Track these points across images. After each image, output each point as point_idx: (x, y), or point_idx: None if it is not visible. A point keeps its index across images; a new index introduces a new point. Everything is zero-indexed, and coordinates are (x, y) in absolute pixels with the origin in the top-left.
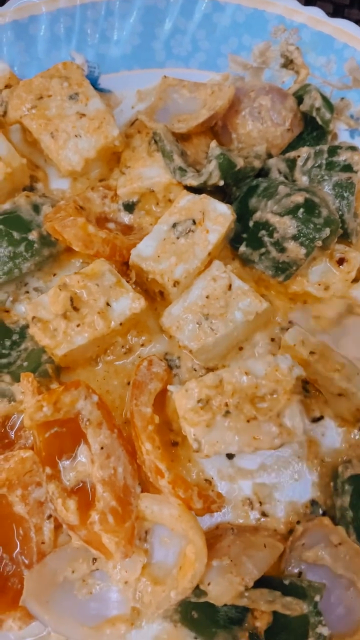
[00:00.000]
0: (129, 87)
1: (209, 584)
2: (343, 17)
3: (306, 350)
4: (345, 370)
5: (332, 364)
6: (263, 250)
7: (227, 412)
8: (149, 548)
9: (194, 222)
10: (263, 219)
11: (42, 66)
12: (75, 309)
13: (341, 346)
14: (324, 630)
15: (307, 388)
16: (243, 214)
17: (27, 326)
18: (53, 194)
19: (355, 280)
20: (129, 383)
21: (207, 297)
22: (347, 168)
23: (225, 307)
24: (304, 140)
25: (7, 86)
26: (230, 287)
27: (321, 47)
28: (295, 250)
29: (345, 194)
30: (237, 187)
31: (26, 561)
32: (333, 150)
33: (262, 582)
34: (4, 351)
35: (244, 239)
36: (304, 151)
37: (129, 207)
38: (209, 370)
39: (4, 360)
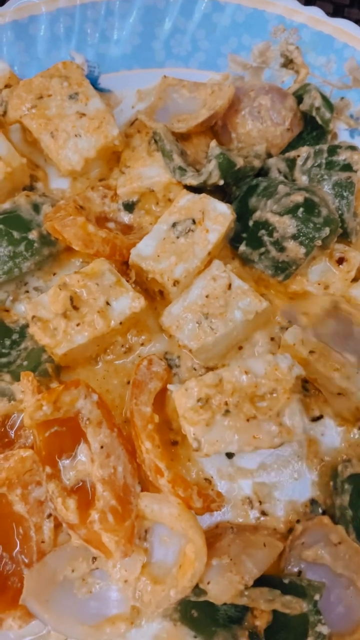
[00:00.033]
0: (128, 87)
1: (208, 583)
2: (343, 16)
3: (306, 350)
4: (345, 369)
5: (332, 363)
6: (263, 249)
7: (227, 411)
8: (149, 547)
9: (194, 222)
10: (263, 218)
11: (42, 66)
12: (75, 308)
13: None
14: (323, 629)
15: (306, 387)
16: (243, 213)
17: (27, 325)
18: (53, 193)
19: (354, 280)
20: (128, 382)
21: (206, 296)
22: (347, 167)
23: (225, 307)
24: (304, 139)
25: (7, 86)
26: (230, 286)
27: (321, 46)
28: (294, 249)
29: (345, 194)
30: (237, 186)
31: (26, 560)
32: (333, 150)
33: (262, 581)
34: (4, 350)
35: (244, 239)
36: (304, 151)
37: (129, 207)
38: (209, 369)
39: (4, 360)
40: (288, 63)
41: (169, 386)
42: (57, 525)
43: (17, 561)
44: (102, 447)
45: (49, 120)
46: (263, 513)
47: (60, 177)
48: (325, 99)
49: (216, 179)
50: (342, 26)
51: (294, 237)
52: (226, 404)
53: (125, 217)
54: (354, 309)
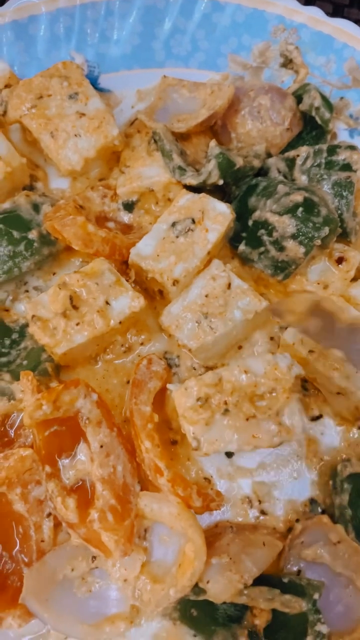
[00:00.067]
0: (128, 87)
1: (208, 582)
2: (343, 16)
3: (305, 349)
4: (344, 368)
5: (331, 363)
6: (262, 249)
7: (226, 411)
8: (148, 546)
9: (194, 221)
10: (262, 218)
11: (42, 66)
12: (75, 307)
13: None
14: (322, 628)
15: (306, 387)
16: (242, 213)
17: (26, 325)
18: (53, 193)
19: (354, 279)
20: (128, 382)
21: (206, 296)
22: (346, 167)
23: (225, 306)
24: (303, 139)
25: (7, 86)
26: (229, 286)
27: (321, 46)
28: (294, 249)
29: (345, 193)
30: (237, 186)
31: (26, 559)
32: (332, 150)
33: (261, 580)
34: (3, 350)
35: (243, 238)
36: (303, 150)
37: (129, 206)
38: (208, 368)
39: (4, 359)
40: (288, 63)
41: (169, 385)
42: (57, 525)
43: (16, 560)
44: (101, 446)
45: (49, 120)
46: (262, 512)
47: (60, 176)
48: (324, 98)
49: (216, 178)
50: (341, 26)
51: (294, 236)
52: (226, 403)
53: (125, 217)
54: (335, 306)
